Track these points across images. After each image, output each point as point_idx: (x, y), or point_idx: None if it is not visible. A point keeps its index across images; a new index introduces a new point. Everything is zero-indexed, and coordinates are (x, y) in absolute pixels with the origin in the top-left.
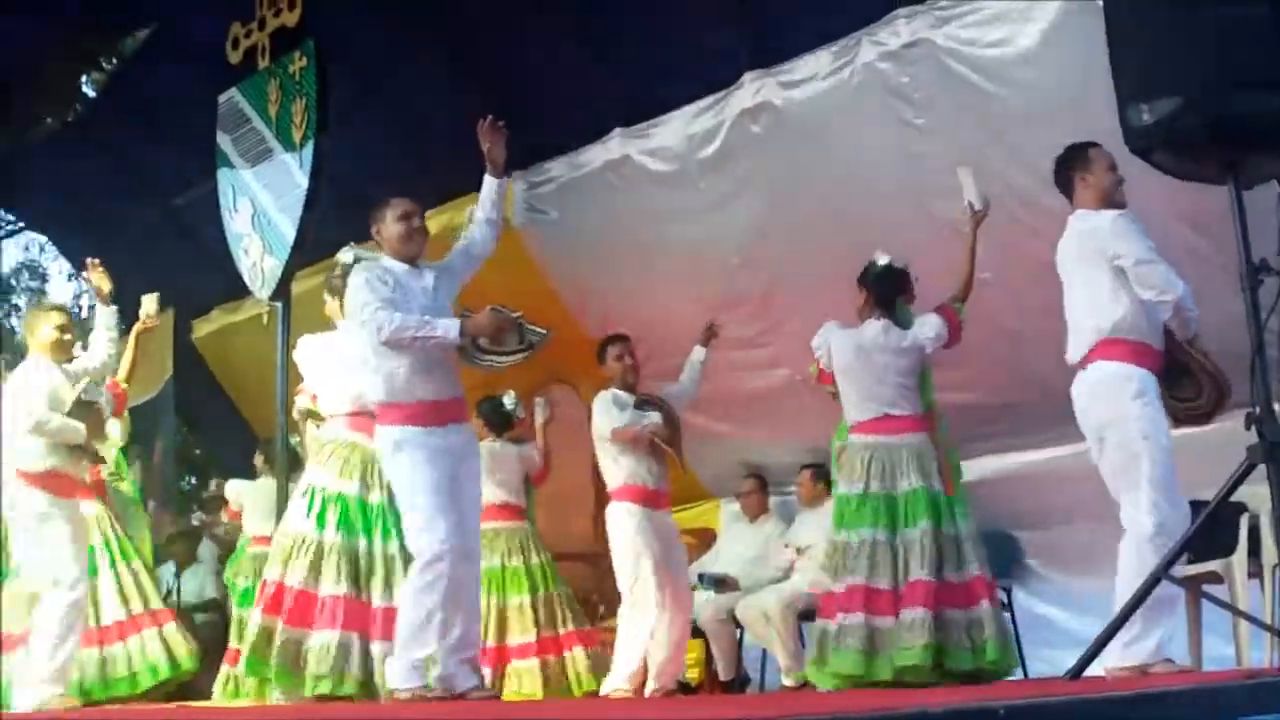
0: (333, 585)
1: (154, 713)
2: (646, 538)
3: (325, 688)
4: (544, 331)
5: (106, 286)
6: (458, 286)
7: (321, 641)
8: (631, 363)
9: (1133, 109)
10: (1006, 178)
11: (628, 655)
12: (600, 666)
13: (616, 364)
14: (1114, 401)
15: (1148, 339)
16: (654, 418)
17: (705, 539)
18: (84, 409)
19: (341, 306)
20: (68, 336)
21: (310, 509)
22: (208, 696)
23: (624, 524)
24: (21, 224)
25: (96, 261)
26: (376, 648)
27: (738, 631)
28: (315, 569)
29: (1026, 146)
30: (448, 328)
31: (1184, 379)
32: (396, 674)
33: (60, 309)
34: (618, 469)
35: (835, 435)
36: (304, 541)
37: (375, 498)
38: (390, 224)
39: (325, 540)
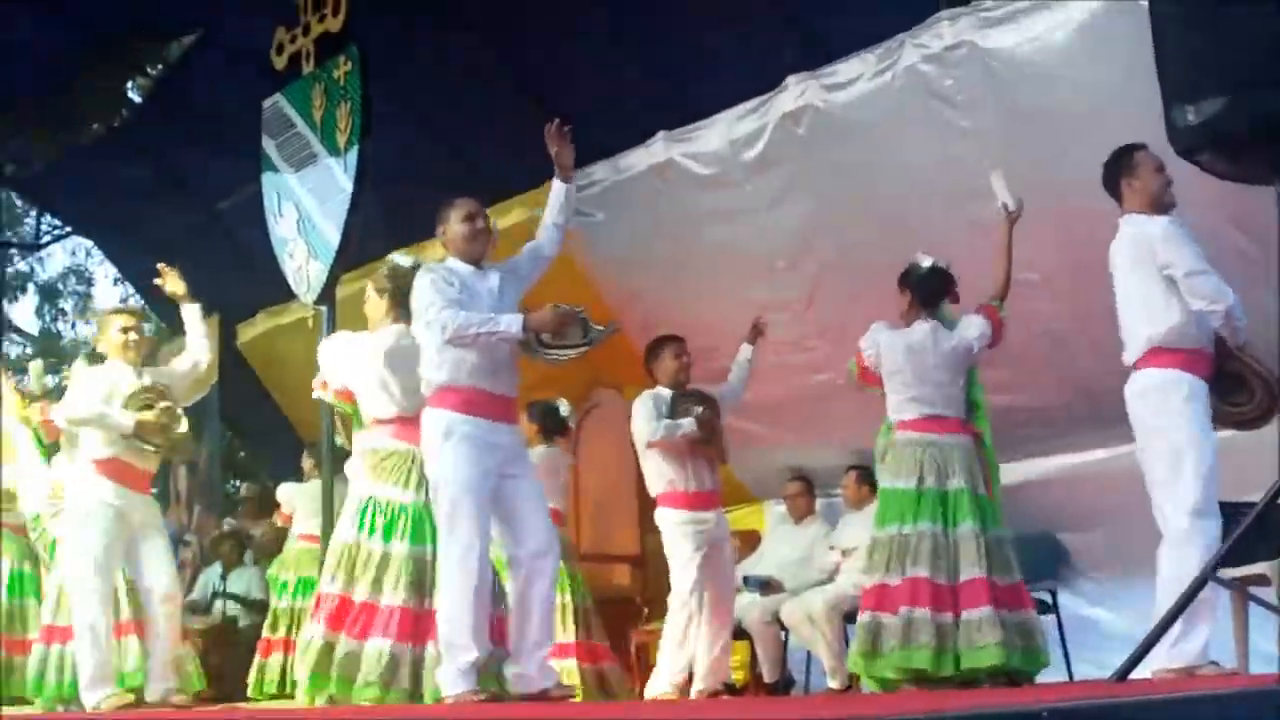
0: (392, 594)
1: (154, 713)
2: (686, 541)
3: (372, 694)
4: (603, 328)
5: (182, 287)
6: (523, 288)
7: (375, 649)
8: (687, 361)
9: (1178, 109)
10: (1050, 179)
11: (671, 658)
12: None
13: (674, 363)
14: (1161, 407)
15: (1199, 345)
16: (688, 424)
17: (750, 541)
18: (143, 398)
19: (388, 307)
20: (134, 337)
21: (371, 521)
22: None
23: (666, 529)
24: (68, 228)
25: (164, 266)
26: (430, 656)
27: (783, 634)
28: (379, 582)
29: (1071, 147)
30: (510, 323)
31: (1236, 384)
32: (444, 680)
33: (127, 311)
34: (659, 475)
35: (880, 434)
36: (369, 555)
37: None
38: (455, 224)
39: (392, 552)
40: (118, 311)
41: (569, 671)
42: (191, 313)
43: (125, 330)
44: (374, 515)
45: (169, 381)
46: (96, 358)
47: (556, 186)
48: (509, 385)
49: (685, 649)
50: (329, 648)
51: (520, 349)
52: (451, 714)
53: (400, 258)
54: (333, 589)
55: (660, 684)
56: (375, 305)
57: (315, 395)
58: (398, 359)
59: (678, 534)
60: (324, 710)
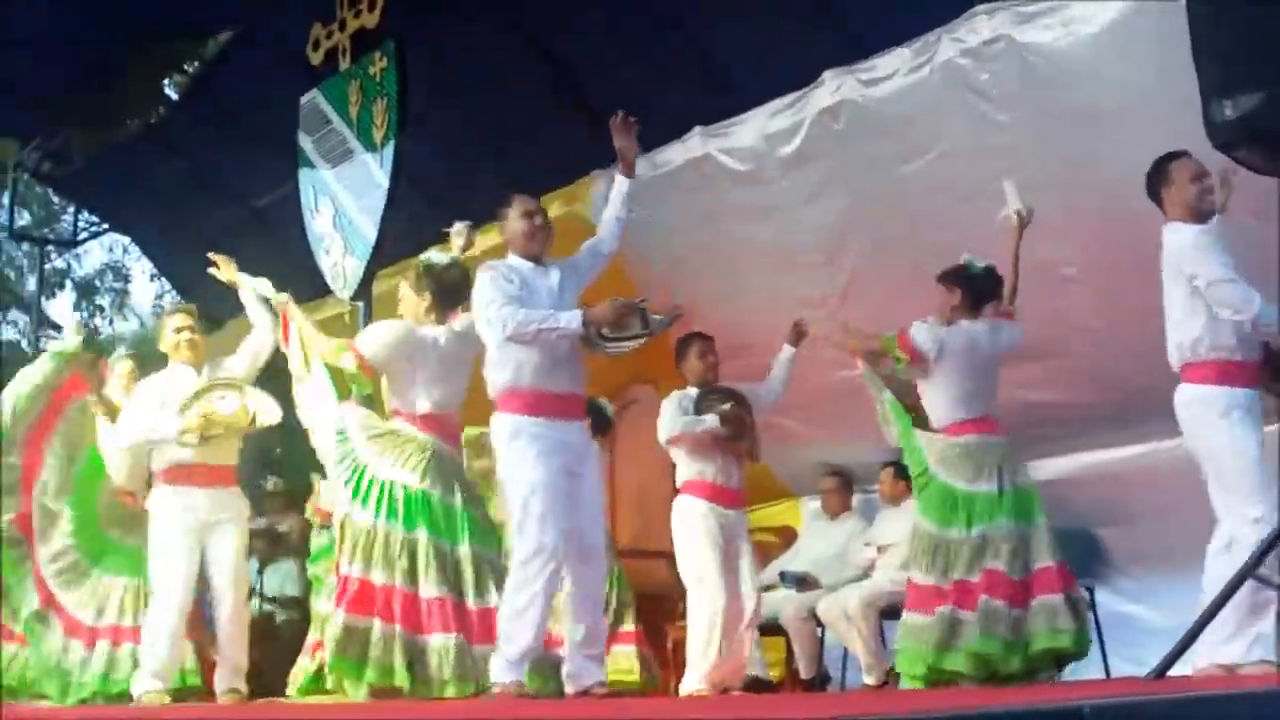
0: (425, 585)
1: (155, 712)
2: (707, 532)
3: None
4: (662, 317)
5: (236, 274)
6: (583, 285)
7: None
8: (714, 360)
9: (1215, 105)
10: (1087, 173)
11: (700, 654)
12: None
13: (699, 362)
14: (1202, 420)
15: (1235, 354)
16: (710, 420)
17: (786, 537)
18: (204, 394)
19: (430, 305)
20: (189, 336)
21: (391, 503)
22: (280, 693)
23: (686, 517)
24: (105, 225)
25: (216, 255)
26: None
27: (819, 630)
28: (409, 572)
29: (1108, 142)
30: (570, 319)
31: None
32: (494, 669)
33: (182, 311)
34: (685, 465)
35: (901, 432)
36: (386, 537)
37: (457, 501)
38: (514, 221)
39: (418, 539)
40: (171, 313)
41: (626, 656)
42: (250, 292)
43: (179, 330)
44: (392, 498)
45: (233, 370)
46: (139, 357)
47: (619, 181)
48: (573, 382)
49: (710, 643)
50: (350, 631)
51: (581, 344)
52: (448, 713)
53: (436, 254)
54: (352, 572)
55: (692, 682)
56: (413, 304)
57: (340, 361)
58: (451, 357)
59: (699, 525)
60: (318, 707)
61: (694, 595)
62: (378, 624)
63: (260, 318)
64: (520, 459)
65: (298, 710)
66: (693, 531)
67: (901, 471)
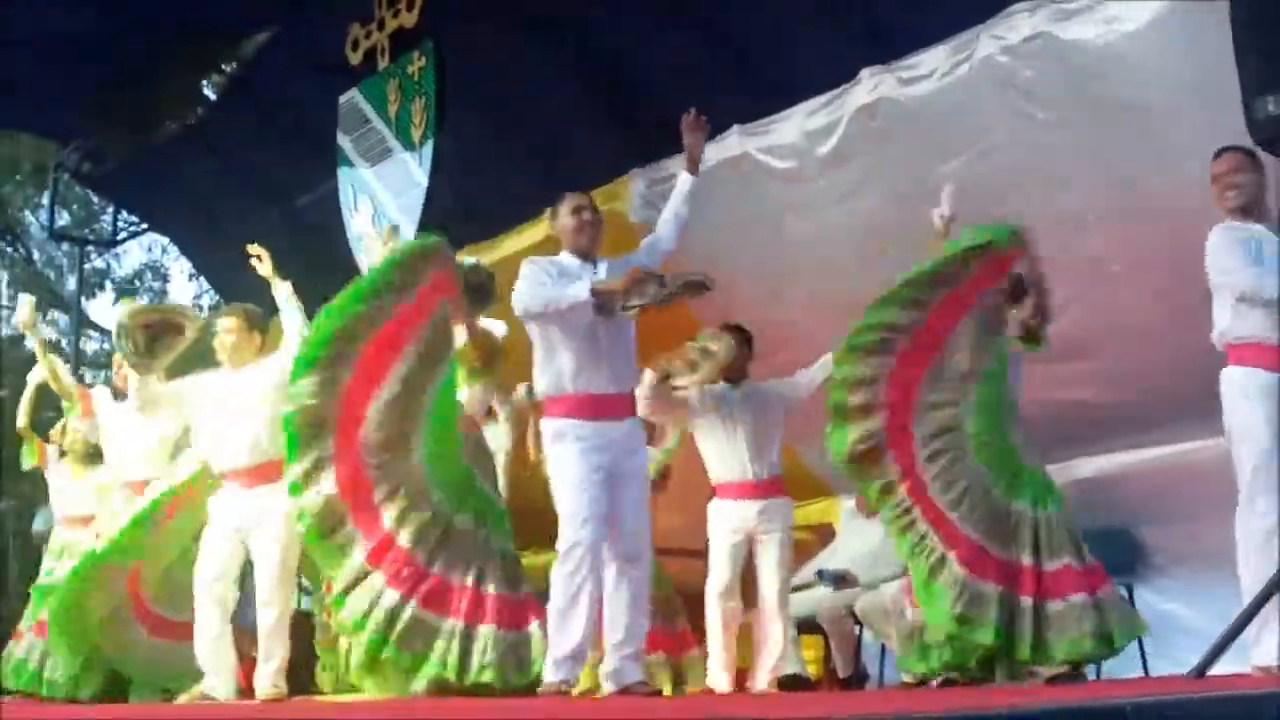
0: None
1: (154, 711)
2: (714, 532)
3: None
4: (681, 279)
5: (271, 270)
6: None
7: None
8: (589, 219)
9: (1257, 101)
10: (1129, 171)
11: (717, 652)
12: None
13: (571, 219)
14: (1231, 405)
15: (1271, 338)
16: (578, 289)
17: (825, 535)
18: None
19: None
20: (230, 339)
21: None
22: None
23: (711, 518)
24: (144, 225)
25: (255, 248)
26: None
27: (857, 628)
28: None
29: (1149, 139)
30: (579, 289)
31: None
32: (545, 667)
33: (226, 312)
34: (712, 465)
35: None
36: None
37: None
38: (564, 217)
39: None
40: (223, 314)
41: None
42: (282, 292)
43: (226, 332)
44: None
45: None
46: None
47: (682, 179)
48: (615, 381)
49: (725, 641)
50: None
51: (597, 312)
52: (449, 712)
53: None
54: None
55: (719, 681)
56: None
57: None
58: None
59: (710, 523)
60: (331, 705)
61: (707, 592)
62: (451, 622)
63: (291, 320)
64: (562, 460)
65: (304, 710)
66: (710, 530)
67: None
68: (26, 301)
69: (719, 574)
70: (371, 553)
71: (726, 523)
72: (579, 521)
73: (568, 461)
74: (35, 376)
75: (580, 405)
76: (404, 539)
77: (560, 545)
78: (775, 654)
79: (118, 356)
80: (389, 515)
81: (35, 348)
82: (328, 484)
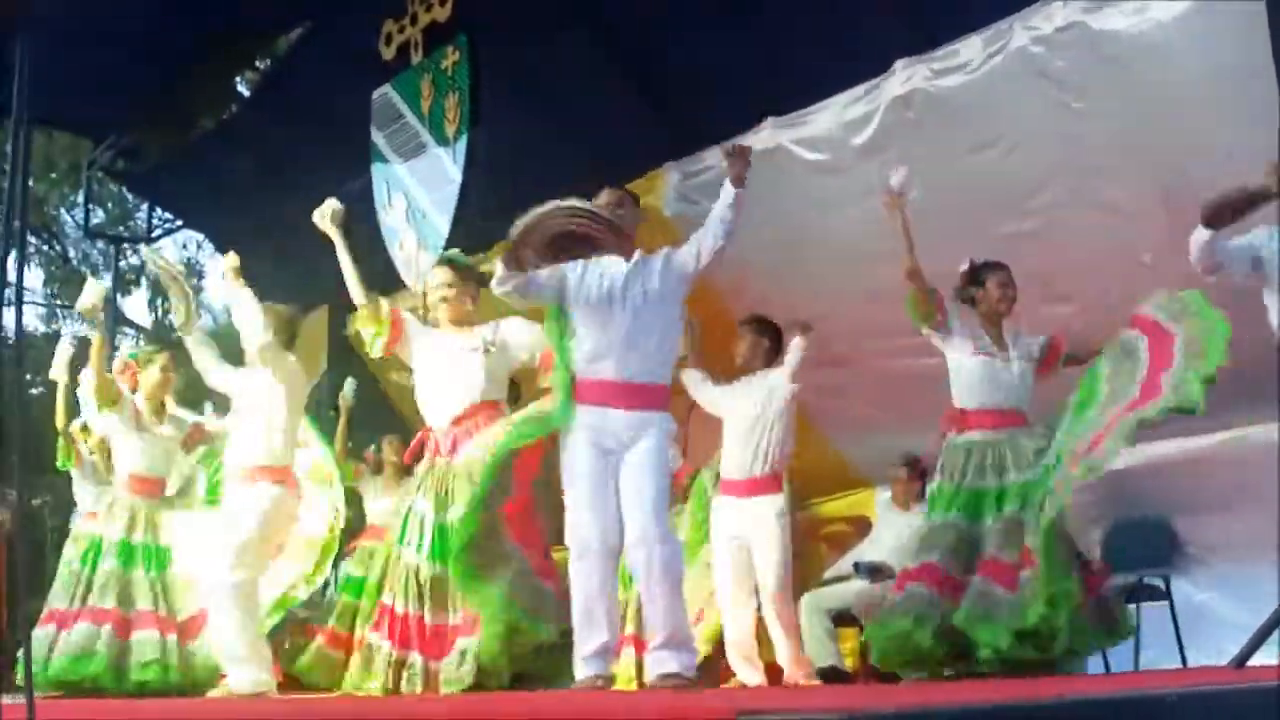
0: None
1: (154, 709)
2: (715, 530)
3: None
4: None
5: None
6: (678, 279)
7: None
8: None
9: None
10: (1165, 161)
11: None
12: None
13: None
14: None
15: None
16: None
17: (861, 527)
18: None
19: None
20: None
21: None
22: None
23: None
24: (179, 222)
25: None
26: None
27: None
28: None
29: (1184, 129)
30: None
31: None
32: (575, 665)
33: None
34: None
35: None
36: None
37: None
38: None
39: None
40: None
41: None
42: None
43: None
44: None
45: None
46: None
47: (726, 189)
48: (626, 369)
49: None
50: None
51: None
52: (450, 711)
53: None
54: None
55: (745, 676)
56: (458, 309)
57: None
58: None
59: (716, 528)
60: (321, 703)
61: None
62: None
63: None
64: (567, 447)
65: (300, 707)
66: (713, 533)
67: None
68: (95, 288)
69: (718, 574)
70: None
71: (716, 527)
72: (582, 514)
73: (571, 452)
74: (60, 374)
75: (590, 390)
76: None
77: (572, 547)
78: (783, 650)
79: (121, 359)
80: None
81: (94, 334)
82: None
